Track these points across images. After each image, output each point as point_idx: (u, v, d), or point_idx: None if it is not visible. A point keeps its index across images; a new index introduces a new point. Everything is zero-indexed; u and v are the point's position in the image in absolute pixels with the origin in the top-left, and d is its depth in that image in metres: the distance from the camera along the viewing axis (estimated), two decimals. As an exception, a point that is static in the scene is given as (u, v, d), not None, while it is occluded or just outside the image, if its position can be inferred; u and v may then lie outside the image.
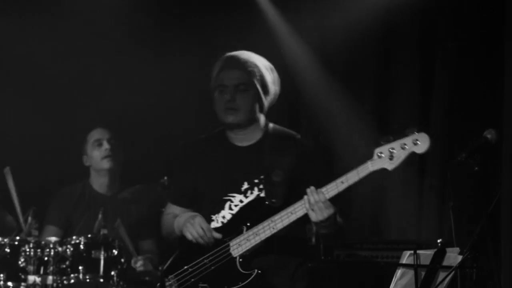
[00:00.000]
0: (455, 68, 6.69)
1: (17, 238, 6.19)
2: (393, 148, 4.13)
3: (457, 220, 4.62)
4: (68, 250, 6.14)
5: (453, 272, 4.28)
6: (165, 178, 6.47)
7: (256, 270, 4.32)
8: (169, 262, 4.54)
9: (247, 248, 4.34)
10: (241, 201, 4.45)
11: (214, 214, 4.51)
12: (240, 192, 4.47)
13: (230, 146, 4.56)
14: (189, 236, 4.39)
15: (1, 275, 6.09)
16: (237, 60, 4.56)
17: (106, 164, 6.85)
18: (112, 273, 6.17)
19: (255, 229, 4.33)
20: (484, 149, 4.25)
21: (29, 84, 7.38)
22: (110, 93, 7.36)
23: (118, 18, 7.39)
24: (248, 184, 4.46)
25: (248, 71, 4.52)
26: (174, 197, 4.74)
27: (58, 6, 7.33)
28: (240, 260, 4.35)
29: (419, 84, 6.91)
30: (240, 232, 4.38)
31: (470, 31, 6.64)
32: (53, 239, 6.21)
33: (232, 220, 4.45)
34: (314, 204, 4.17)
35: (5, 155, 7.18)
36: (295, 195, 4.29)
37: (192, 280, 4.41)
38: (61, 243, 6.17)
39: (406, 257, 4.44)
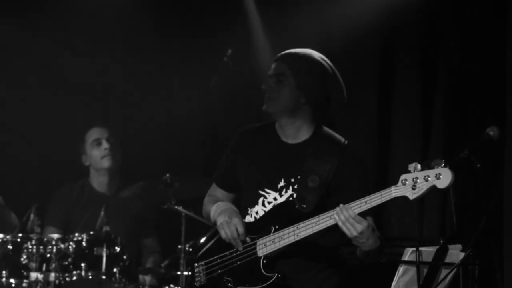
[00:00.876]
0: (458, 66, 6.68)
1: (20, 235, 6.20)
2: (417, 178, 4.08)
3: (459, 217, 4.61)
4: (70, 247, 6.15)
5: (455, 269, 4.28)
6: (168, 175, 6.48)
7: (276, 274, 4.27)
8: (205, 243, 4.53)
9: (271, 250, 4.30)
10: (275, 199, 4.40)
11: (249, 208, 4.47)
12: (276, 190, 4.42)
13: (276, 141, 4.50)
14: (223, 234, 4.36)
15: (4, 272, 6.10)
16: (285, 53, 4.51)
17: (106, 163, 6.86)
18: (115, 270, 6.18)
19: (281, 233, 4.29)
20: (486, 146, 4.24)
21: (29, 83, 7.38)
22: (108, 91, 7.38)
23: (119, 19, 7.40)
24: (284, 182, 4.40)
25: (289, 63, 4.46)
26: (218, 179, 4.68)
27: (65, 4, 7.34)
28: (264, 261, 4.31)
29: (422, 84, 6.89)
30: (268, 233, 4.33)
31: (473, 28, 6.63)
32: (56, 236, 6.21)
33: (263, 218, 4.41)
34: (346, 221, 4.12)
35: (6, 155, 7.21)
36: (330, 203, 4.23)
37: (219, 271, 4.39)
38: (63, 240, 6.18)
39: (408, 254, 4.42)
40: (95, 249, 6.17)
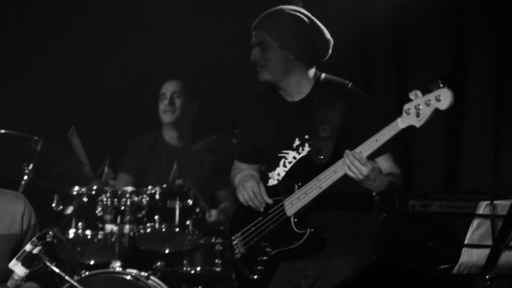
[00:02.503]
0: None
1: (94, 187, 6.28)
2: (419, 105, 4.02)
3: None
4: (144, 200, 6.22)
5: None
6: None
7: (309, 230, 4.28)
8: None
9: (299, 208, 4.30)
10: (294, 158, 4.39)
11: (270, 172, 4.49)
12: (292, 149, 4.42)
13: (282, 102, 4.50)
14: (241, 199, 4.40)
15: (80, 223, 6.20)
16: (258, 20, 4.51)
17: (166, 118, 6.90)
18: (188, 222, 6.24)
19: (304, 188, 4.28)
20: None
21: (106, 39, 7.44)
22: (183, 44, 7.37)
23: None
24: (299, 140, 4.40)
25: (265, 28, 4.45)
26: (237, 154, 4.73)
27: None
28: (295, 219, 4.32)
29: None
30: (292, 191, 4.33)
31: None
32: (129, 189, 6.29)
33: (284, 178, 4.41)
34: (351, 165, 4.09)
35: (80, 108, 7.30)
36: (345, 150, 4.17)
37: (255, 239, 4.41)
38: (137, 193, 6.25)
39: (483, 208, 4.39)
40: (168, 202, 6.24)
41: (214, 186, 6.89)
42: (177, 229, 6.21)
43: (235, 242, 4.50)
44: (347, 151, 4.11)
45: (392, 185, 4.26)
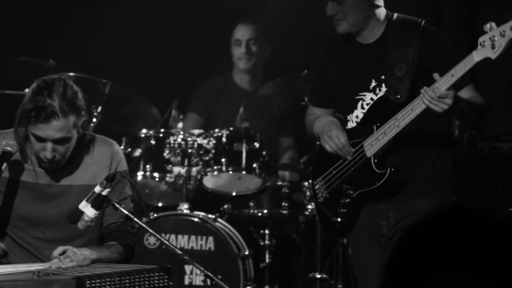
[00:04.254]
0: None
1: (162, 130, 6.33)
2: (494, 36, 4.00)
3: None
4: (210, 142, 6.25)
5: None
6: (305, 72, 6.45)
7: (389, 169, 4.29)
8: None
9: (378, 148, 4.31)
10: (371, 99, 4.40)
11: (349, 114, 4.49)
12: (369, 91, 4.41)
13: (357, 45, 4.48)
14: (328, 148, 4.40)
15: (148, 166, 6.26)
16: None
17: (241, 65, 6.89)
18: (254, 165, 6.25)
19: (383, 128, 4.29)
20: None
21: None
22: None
23: None
24: (376, 82, 4.39)
25: None
26: (313, 99, 4.75)
27: None
28: (375, 160, 4.33)
29: None
30: (371, 132, 4.34)
31: None
32: (196, 131, 6.32)
33: (363, 119, 4.41)
34: (431, 102, 4.09)
35: (148, 50, 7.32)
36: (422, 87, 4.16)
37: (337, 182, 4.44)
38: (204, 135, 6.28)
39: None
40: (235, 144, 6.25)
41: (278, 132, 6.89)
42: (244, 172, 6.24)
43: (317, 186, 4.54)
44: (424, 87, 4.11)
45: (475, 104, 4.28)
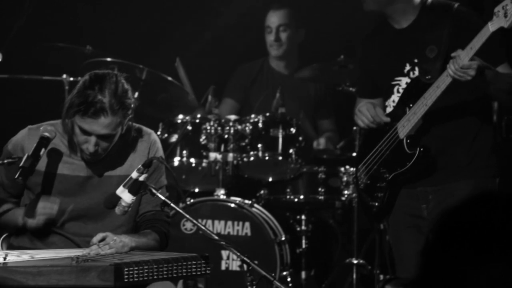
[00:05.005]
0: None
1: (198, 116, 6.33)
2: (506, 5, 4.04)
3: None
4: (247, 128, 6.25)
5: None
6: (342, 57, 6.43)
7: (418, 149, 4.30)
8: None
9: (410, 128, 4.34)
10: (406, 83, 4.43)
11: (386, 100, 4.53)
12: (404, 75, 4.45)
13: (391, 31, 4.52)
14: (361, 124, 4.47)
15: (184, 151, 6.28)
16: None
17: (273, 52, 6.88)
18: (291, 151, 6.25)
19: (413, 109, 4.33)
20: None
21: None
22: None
23: None
24: (410, 65, 4.42)
25: None
26: (359, 91, 4.82)
27: None
28: (408, 141, 4.35)
29: None
30: (403, 114, 4.38)
31: None
32: (233, 117, 6.32)
33: (398, 103, 4.45)
34: (455, 73, 4.11)
35: (185, 36, 7.33)
36: None
37: (375, 167, 4.47)
38: (240, 121, 6.28)
39: None
40: (271, 130, 6.25)
41: (316, 115, 6.87)
42: (280, 158, 6.23)
43: (359, 173, 4.57)
44: (450, 61, 4.12)
45: (508, 78, 4.28)
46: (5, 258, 3.59)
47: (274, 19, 6.87)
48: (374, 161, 4.48)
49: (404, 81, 4.44)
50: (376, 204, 4.46)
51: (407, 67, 4.43)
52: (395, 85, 4.47)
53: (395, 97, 4.46)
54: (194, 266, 3.60)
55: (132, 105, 3.88)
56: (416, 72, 4.40)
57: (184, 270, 3.57)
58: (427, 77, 4.33)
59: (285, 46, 6.85)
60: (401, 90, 4.44)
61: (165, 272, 3.51)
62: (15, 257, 3.66)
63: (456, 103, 4.35)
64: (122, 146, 4.02)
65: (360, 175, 4.55)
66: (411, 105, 4.35)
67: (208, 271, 3.64)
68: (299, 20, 6.91)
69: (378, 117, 4.40)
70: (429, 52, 4.36)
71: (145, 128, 4.14)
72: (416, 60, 4.40)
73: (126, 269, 3.41)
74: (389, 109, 4.49)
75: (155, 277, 3.49)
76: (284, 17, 6.86)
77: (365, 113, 4.42)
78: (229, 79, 6.98)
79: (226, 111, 6.64)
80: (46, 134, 3.88)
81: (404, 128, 4.35)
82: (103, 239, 3.75)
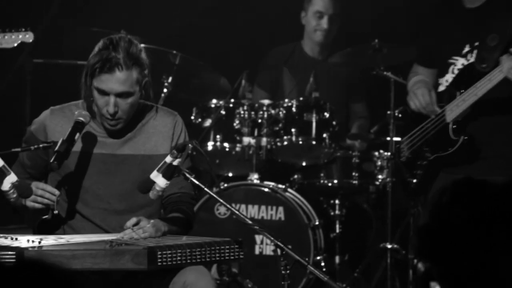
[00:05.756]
0: None
1: (232, 100, 6.33)
2: None
3: None
4: (280, 112, 6.23)
5: None
6: (376, 41, 6.37)
7: (462, 137, 4.26)
8: None
9: (457, 114, 4.30)
10: (462, 65, 4.38)
11: (440, 78, 4.48)
12: (461, 55, 4.40)
13: (460, 7, 4.46)
14: (412, 106, 4.46)
15: (218, 136, 6.28)
16: None
17: (317, 37, 6.76)
18: (324, 135, 6.23)
19: (463, 95, 4.29)
20: None
21: None
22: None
23: None
24: (470, 47, 4.36)
25: None
26: (418, 56, 4.76)
27: None
28: (454, 126, 4.31)
29: None
30: (454, 98, 4.34)
31: None
32: (266, 101, 6.31)
33: (451, 84, 4.42)
34: (509, 71, 4.06)
35: (218, 21, 7.31)
36: None
37: (418, 144, 4.46)
38: (273, 105, 6.27)
39: None
40: (305, 114, 6.23)
41: (349, 99, 6.83)
42: (313, 142, 6.22)
43: (402, 145, 4.54)
44: (504, 56, 4.06)
45: None
46: (40, 242, 3.61)
47: (328, 5, 6.71)
48: (418, 138, 4.46)
49: (460, 61, 4.39)
50: (414, 180, 4.44)
51: (467, 48, 4.39)
52: (451, 63, 4.43)
53: (449, 77, 4.43)
54: (227, 250, 3.60)
55: (148, 65, 3.91)
56: (475, 56, 4.34)
57: (217, 255, 3.57)
58: (482, 65, 4.27)
59: (332, 34, 6.77)
60: (456, 71, 4.40)
61: (198, 257, 3.51)
62: (52, 240, 3.68)
63: (507, 96, 4.29)
64: (145, 126, 4.03)
65: (403, 147, 4.53)
66: (462, 90, 4.30)
67: (241, 256, 3.64)
68: (341, 8, 6.80)
69: (431, 106, 4.36)
70: (491, 40, 4.29)
71: (169, 110, 4.14)
72: (477, 44, 4.34)
73: (160, 252, 3.42)
74: (441, 87, 4.47)
75: (188, 261, 3.49)
76: (336, 6, 6.73)
77: (420, 98, 4.38)
78: (261, 62, 6.91)
79: (258, 99, 6.60)
80: (81, 118, 3.89)
81: (452, 112, 4.32)
82: (137, 223, 3.76)
